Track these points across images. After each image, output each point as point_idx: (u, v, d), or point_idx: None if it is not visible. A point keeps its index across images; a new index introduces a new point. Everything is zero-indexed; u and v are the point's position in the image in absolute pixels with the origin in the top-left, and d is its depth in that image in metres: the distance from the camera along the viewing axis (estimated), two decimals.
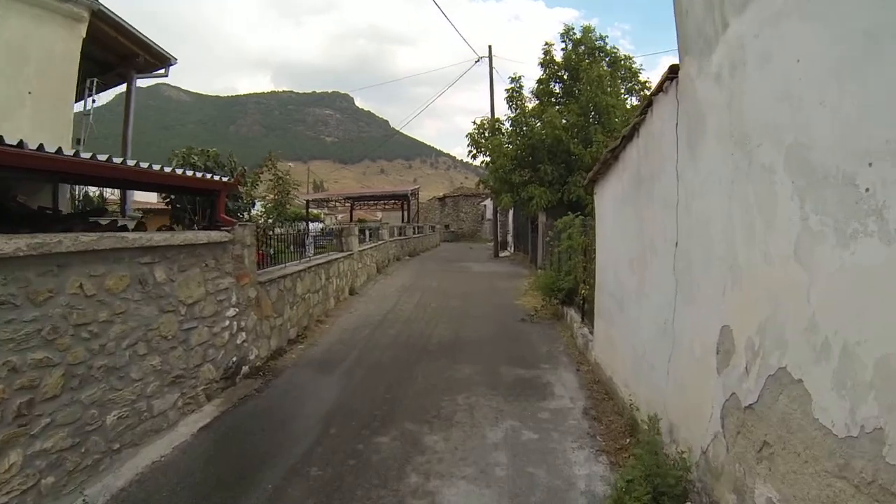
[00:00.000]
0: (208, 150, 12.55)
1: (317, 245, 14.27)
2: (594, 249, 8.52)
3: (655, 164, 5.04)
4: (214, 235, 7.03)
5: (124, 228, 6.76)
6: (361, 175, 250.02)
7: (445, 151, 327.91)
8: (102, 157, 5.29)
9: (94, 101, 11.44)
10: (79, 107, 11.52)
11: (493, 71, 29.93)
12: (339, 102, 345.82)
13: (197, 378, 6.45)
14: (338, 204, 57.86)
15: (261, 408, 6.58)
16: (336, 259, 13.63)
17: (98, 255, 4.83)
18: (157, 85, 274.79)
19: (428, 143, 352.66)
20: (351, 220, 58.64)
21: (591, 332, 8.55)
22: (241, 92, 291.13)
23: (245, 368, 7.71)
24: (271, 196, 21.11)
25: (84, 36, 9.12)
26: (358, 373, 7.96)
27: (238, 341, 7.60)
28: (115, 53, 11.24)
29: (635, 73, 21.81)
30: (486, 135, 23.01)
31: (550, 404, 6.58)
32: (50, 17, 8.58)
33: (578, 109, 19.97)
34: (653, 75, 49.30)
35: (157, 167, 6.24)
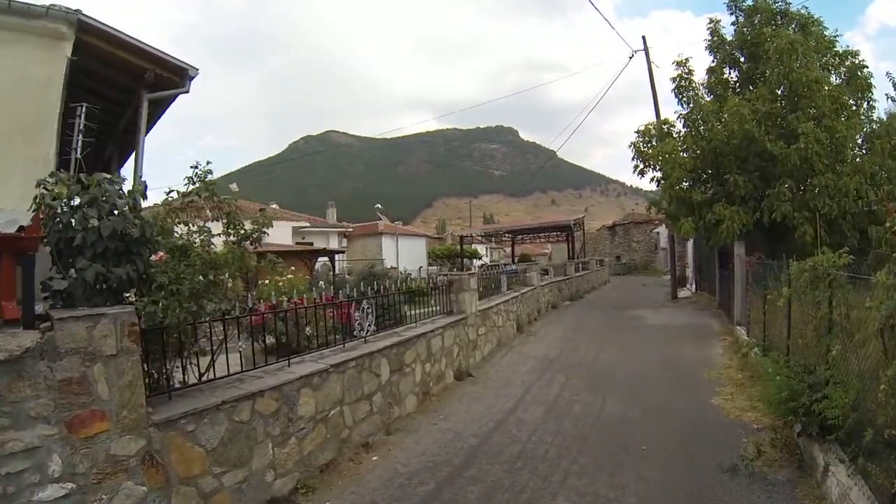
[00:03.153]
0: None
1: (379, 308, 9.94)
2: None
3: None
4: None
5: None
6: (532, 207, 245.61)
7: (614, 178, 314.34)
8: None
9: (81, 132, 8.60)
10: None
11: (651, 69, 24.49)
12: (503, 136, 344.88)
13: None
14: (503, 237, 54.14)
15: None
16: (429, 333, 9.28)
17: None
18: (327, 132, 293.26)
19: (597, 171, 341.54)
20: (512, 255, 55.37)
21: None
22: (406, 133, 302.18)
23: None
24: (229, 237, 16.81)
25: (69, 56, 7.77)
26: None
27: None
28: (123, 71, 9.54)
29: (829, 44, 15.86)
30: (654, 143, 17.84)
31: None
32: (20, 39, 7.49)
33: (768, 93, 14.71)
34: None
35: None
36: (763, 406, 7.24)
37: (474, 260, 50.53)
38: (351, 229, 45.20)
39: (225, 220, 5.84)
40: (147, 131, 14.15)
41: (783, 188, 13.86)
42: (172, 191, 5.75)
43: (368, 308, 8.03)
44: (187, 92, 10.28)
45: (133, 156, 13.13)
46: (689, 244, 27.62)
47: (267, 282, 14.44)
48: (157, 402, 4.65)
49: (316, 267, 32.98)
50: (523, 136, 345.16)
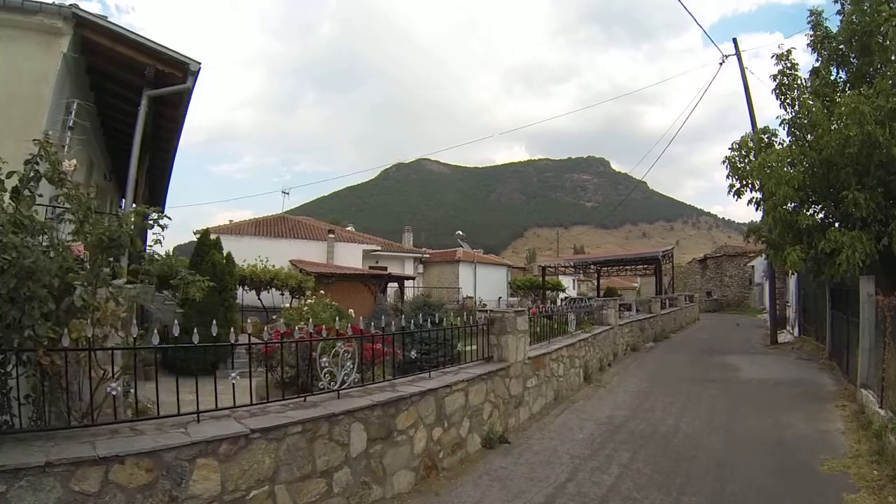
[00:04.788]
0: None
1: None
2: None
3: None
4: None
5: None
6: (624, 239, 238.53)
7: (706, 210, 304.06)
8: None
9: (71, 126, 8.39)
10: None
11: (745, 74, 21.58)
12: (595, 167, 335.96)
13: None
14: (589, 269, 51.18)
15: None
16: (443, 388, 7.06)
17: None
18: (418, 160, 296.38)
19: (688, 203, 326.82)
20: (598, 288, 52.23)
21: None
22: (498, 163, 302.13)
23: None
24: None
25: (65, 51, 7.95)
26: None
27: None
28: (123, 66, 9.43)
29: None
30: (751, 157, 15.10)
31: None
32: (15, 36, 7.67)
33: (891, 86, 11.57)
34: None
35: None
36: None
37: (557, 292, 48.06)
38: (428, 255, 43.73)
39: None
40: (169, 139, 13.08)
41: None
42: None
43: (346, 352, 5.97)
44: (190, 88, 9.58)
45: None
46: (792, 280, 24.03)
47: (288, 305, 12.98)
48: None
49: (388, 293, 31.70)
50: (615, 167, 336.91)
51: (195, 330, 4.71)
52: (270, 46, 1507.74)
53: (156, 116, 11.24)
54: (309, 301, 12.20)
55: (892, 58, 12.18)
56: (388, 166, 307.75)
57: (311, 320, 7.72)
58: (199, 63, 9.24)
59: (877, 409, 8.33)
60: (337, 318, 8.99)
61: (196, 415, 4.66)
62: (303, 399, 5.65)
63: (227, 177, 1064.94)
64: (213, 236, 16.13)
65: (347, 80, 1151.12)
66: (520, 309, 9.75)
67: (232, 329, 5.53)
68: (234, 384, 4.82)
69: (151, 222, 5.08)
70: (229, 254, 15.74)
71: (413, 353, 7.49)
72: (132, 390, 5.34)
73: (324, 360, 5.76)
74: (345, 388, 5.98)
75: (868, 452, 7.38)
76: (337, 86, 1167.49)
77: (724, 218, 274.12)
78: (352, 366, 6.01)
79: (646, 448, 8.04)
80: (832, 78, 14.43)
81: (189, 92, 9.86)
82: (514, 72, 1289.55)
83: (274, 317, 15.19)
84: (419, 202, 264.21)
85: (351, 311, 9.58)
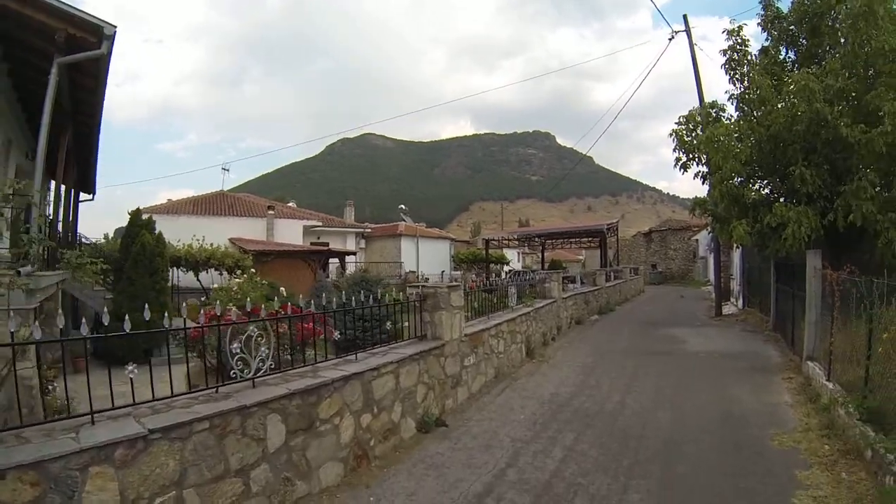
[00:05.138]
0: None
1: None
2: None
3: None
4: None
5: None
6: (569, 213, 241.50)
7: (651, 185, 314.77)
8: None
9: None
10: None
11: (694, 50, 21.40)
12: (540, 141, 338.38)
13: None
14: (534, 241, 51.02)
15: None
16: (369, 372, 6.57)
17: None
18: (364, 135, 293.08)
19: (634, 178, 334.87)
20: (542, 261, 52.08)
21: None
22: (444, 137, 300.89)
23: None
24: None
25: None
26: None
27: None
28: (34, 32, 8.70)
29: None
30: (698, 132, 14.92)
31: None
32: None
33: (840, 67, 11.70)
34: None
35: None
36: None
37: (502, 265, 47.88)
38: (369, 230, 42.92)
39: None
40: (91, 112, 11.98)
41: (864, 183, 10.86)
42: None
43: (261, 336, 5.34)
44: (105, 54, 8.80)
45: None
46: (736, 253, 24.30)
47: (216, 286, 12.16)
48: None
49: (330, 269, 30.90)
50: (560, 141, 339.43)
51: (126, 317, 4.32)
52: (216, 18, 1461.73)
53: (73, 87, 10.30)
54: (237, 280, 11.40)
55: (842, 40, 12.14)
56: (332, 141, 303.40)
57: (245, 301, 7.10)
58: (115, 27, 8.56)
59: (824, 381, 8.27)
60: (271, 298, 8.38)
61: (90, 416, 4.02)
62: (214, 390, 5.02)
63: (171, 154, 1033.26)
64: (147, 216, 15.22)
65: (295, 53, 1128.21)
66: (454, 283, 9.20)
67: (166, 314, 4.88)
68: (131, 378, 4.17)
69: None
70: (160, 234, 14.87)
71: (337, 334, 6.83)
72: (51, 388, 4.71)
73: (234, 345, 5.11)
74: (260, 376, 5.36)
75: (818, 426, 7.27)
76: (284, 60, 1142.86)
77: (669, 193, 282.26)
78: (267, 351, 5.38)
79: (591, 428, 7.71)
80: (781, 58, 14.35)
81: (105, 59, 9.00)
82: (463, 47, 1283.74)
83: (203, 298, 14.36)
84: (364, 177, 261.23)
85: (282, 289, 8.88)
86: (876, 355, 6.23)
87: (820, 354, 9.36)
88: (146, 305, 4.75)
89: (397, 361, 7.08)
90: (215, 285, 16.63)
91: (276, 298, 7.43)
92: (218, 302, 7.41)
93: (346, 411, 6.00)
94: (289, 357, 6.33)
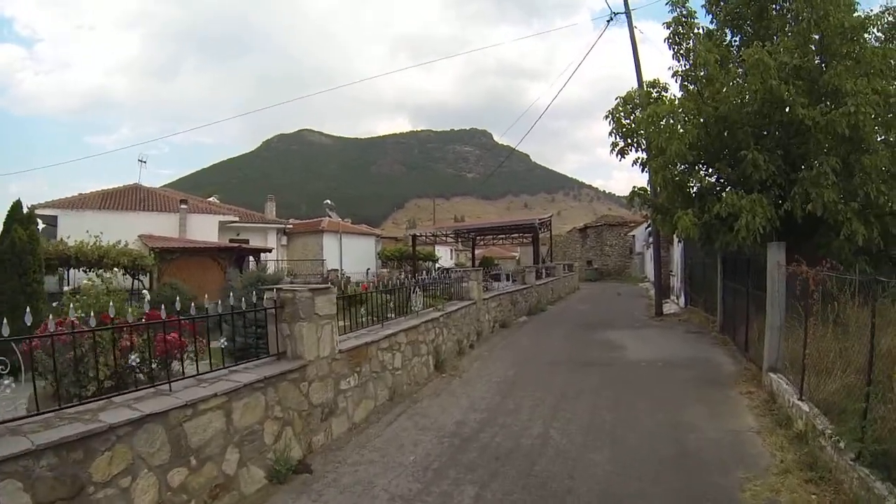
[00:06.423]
0: None
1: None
2: None
3: None
4: None
5: None
6: (505, 210, 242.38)
7: (587, 183, 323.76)
8: None
9: None
10: None
11: (633, 31, 20.13)
12: (477, 139, 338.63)
13: None
14: (466, 237, 49.29)
15: None
16: (162, 414, 4.81)
17: None
18: (300, 131, 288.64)
19: (570, 176, 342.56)
20: (472, 258, 50.33)
21: None
22: (381, 133, 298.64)
23: None
24: None
25: None
26: None
27: None
28: None
29: None
30: (637, 114, 13.43)
31: None
32: None
33: (794, 44, 10.84)
34: None
35: None
36: None
37: (432, 263, 46.10)
38: (291, 226, 40.50)
39: None
40: None
41: (824, 168, 9.50)
42: None
43: None
44: None
45: None
46: (677, 248, 23.10)
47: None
48: None
49: (249, 268, 28.39)
50: (497, 139, 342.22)
51: None
52: (151, 6, 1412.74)
53: None
54: (85, 282, 9.22)
55: (797, 18, 11.18)
56: (269, 137, 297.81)
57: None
58: None
59: (795, 400, 6.77)
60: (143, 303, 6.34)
61: None
62: None
63: (102, 148, 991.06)
64: (29, 210, 12.82)
65: (232, 46, 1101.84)
66: (320, 286, 7.22)
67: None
68: None
69: None
70: (33, 230, 12.50)
71: (223, 342, 4.95)
72: None
73: None
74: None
75: (797, 465, 5.68)
76: (220, 52, 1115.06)
77: (605, 191, 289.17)
78: None
79: (500, 477, 5.81)
80: (727, 42, 13.19)
81: None
82: (403, 44, 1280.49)
83: (55, 304, 12.10)
84: (300, 174, 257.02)
85: (145, 292, 6.87)
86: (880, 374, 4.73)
87: (785, 366, 7.86)
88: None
89: (228, 392, 5.11)
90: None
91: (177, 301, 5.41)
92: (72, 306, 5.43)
93: (141, 468, 4.09)
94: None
